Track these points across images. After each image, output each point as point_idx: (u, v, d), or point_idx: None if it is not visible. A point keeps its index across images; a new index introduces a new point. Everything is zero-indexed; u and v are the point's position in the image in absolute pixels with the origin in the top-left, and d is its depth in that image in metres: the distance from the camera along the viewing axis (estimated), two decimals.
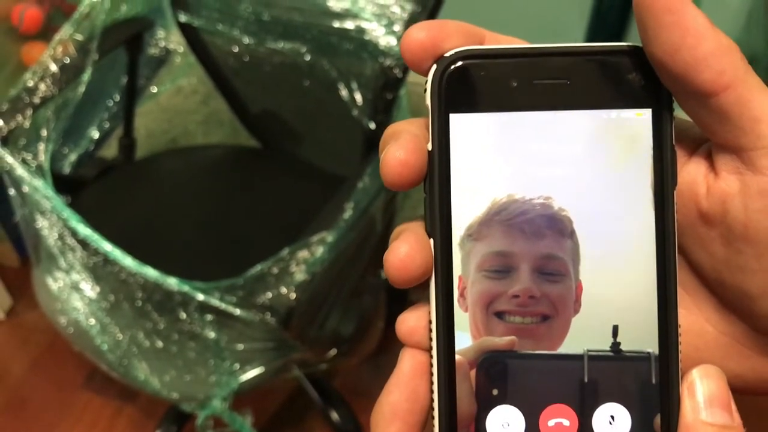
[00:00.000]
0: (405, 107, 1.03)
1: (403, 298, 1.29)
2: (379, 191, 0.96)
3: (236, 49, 1.13)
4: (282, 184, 1.18)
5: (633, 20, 1.49)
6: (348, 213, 0.90)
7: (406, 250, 0.24)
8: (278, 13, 1.06)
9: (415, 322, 0.26)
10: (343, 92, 1.05)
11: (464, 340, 0.25)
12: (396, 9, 0.95)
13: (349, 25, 0.99)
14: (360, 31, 0.98)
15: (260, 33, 1.09)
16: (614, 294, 0.25)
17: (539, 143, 0.25)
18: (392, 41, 0.96)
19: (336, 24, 1.00)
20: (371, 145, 1.04)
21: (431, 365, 0.25)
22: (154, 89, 1.27)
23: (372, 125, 1.03)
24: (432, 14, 0.93)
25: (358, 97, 1.03)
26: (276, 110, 1.26)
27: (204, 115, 1.75)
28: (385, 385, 0.26)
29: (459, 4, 1.04)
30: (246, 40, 1.11)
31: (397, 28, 0.96)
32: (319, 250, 0.86)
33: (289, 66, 1.10)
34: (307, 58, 1.07)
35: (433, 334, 0.25)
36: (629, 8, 1.37)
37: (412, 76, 0.99)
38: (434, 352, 0.25)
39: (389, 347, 1.32)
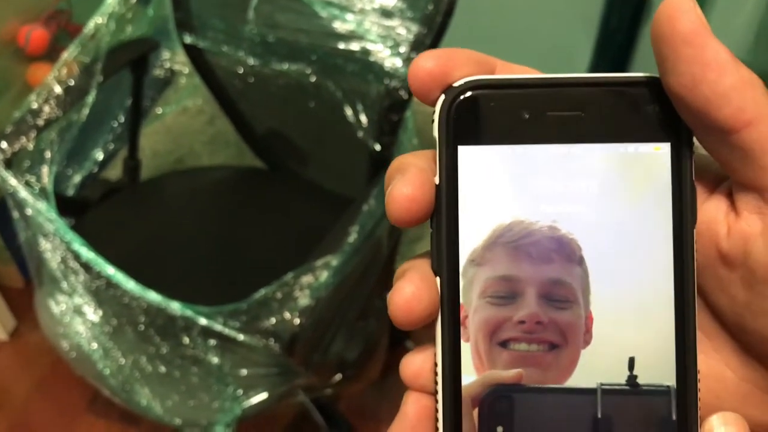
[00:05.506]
0: (411, 129, 1.02)
1: None
2: (384, 214, 0.95)
3: (241, 71, 1.13)
4: (287, 206, 1.18)
5: (639, 43, 1.49)
6: (353, 236, 0.89)
7: (411, 290, 0.23)
8: (283, 34, 1.06)
9: (420, 365, 0.25)
10: (349, 113, 1.04)
11: (467, 374, 0.24)
12: (401, 30, 0.95)
13: (355, 46, 0.98)
14: (365, 52, 0.98)
15: (265, 54, 1.09)
16: (628, 328, 0.24)
17: (552, 178, 0.24)
18: (398, 63, 0.95)
19: (341, 45, 1.00)
20: (377, 166, 1.03)
21: (436, 410, 0.24)
22: (159, 110, 1.27)
23: (377, 147, 1.02)
24: (438, 36, 0.93)
25: (364, 118, 1.03)
26: (281, 131, 1.26)
27: (209, 135, 1.75)
28: (388, 430, 0.25)
29: (464, 25, 1.03)
30: (251, 61, 1.10)
31: (402, 49, 0.95)
32: (324, 275, 0.85)
33: (294, 87, 1.09)
34: (313, 79, 1.06)
35: (439, 378, 0.24)
36: (636, 30, 1.36)
37: None
38: (440, 397, 0.24)
39: (395, 370, 1.30)
